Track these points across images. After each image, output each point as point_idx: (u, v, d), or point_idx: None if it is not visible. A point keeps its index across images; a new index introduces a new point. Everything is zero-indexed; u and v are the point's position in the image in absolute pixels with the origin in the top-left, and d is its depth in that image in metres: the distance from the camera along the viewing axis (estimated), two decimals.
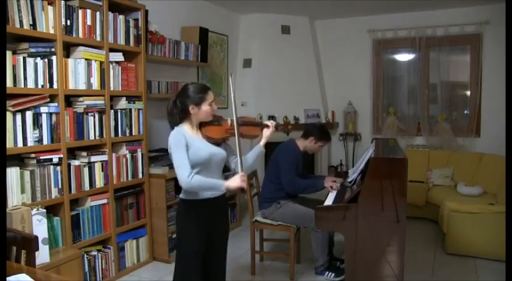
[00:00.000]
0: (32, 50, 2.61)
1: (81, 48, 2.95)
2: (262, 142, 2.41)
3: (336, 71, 6.28)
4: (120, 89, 3.29)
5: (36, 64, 2.62)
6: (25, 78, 2.56)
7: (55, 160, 2.74)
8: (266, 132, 2.40)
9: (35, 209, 2.45)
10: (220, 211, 2.39)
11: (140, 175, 3.49)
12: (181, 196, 2.29)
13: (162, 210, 3.56)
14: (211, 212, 2.27)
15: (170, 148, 2.17)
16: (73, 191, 2.90)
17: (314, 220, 2.63)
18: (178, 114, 2.24)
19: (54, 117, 2.74)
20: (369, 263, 2.48)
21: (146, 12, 3.55)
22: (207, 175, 2.19)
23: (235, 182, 2.14)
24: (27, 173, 2.58)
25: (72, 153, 3.01)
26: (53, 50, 2.73)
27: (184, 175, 2.08)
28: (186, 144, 2.13)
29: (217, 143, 2.28)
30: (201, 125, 2.28)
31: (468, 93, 5.54)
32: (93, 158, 3.06)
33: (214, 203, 2.27)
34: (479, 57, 5.35)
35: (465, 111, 5.61)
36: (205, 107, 2.22)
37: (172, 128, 2.25)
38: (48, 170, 2.72)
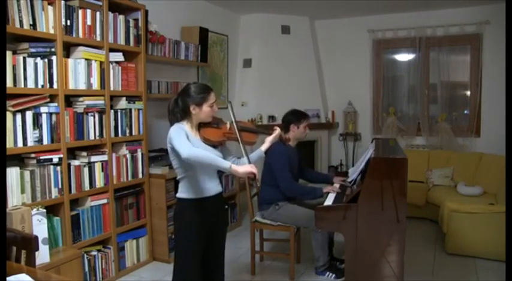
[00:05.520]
0: (32, 50, 2.61)
1: (81, 48, 2.95)
2: (264, 146, 2.41)
3: (336, 71, 6.28)
4: (120, 89, 3.29)
5: (36, 64, 2.62)
6: (25, 78, 2.56)
7: (55, 160, 2.74)
8: (269, 138, 2.40)
9: (35, 209, 2.44)
10: (218, 209, 2.39)
11: (140, 175, 3.49)
12: (178, 195, 2.29)
13: (162, 210, 3.56)
14: (208, 211, 2.28)
15: (171, 138, 2.14)
16: (73, 191, 2.90)
17: (313, 220, 2.63)
18: (179, 113, 2.25)
19: (54, 117, 2.74)
20: (369, 263, 2.48)
21: (146, 12, 3.55)
22: (202, 175, 2.21)
23: (244, 167, 2.06)
24: (27, 173, 2.58)
25: (72, 153, 3.01)
26: (53, 50, 2.73)
27: (188, 145, 2.05)
28: (186, 136, 2.13)
29: (213, 145, 2.28)
30: (200, 126, 2.28)
31: (468, 93, 5.54)
32: (93, 158, 3.06)
33: (212, 202, 2.28)
34: (479, 57, 5.35)
35: (465, 111, 5.61)
36: (206, 107, 2.22)
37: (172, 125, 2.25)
38: (48, 170, 2.72)
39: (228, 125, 2.33)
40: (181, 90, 2.28)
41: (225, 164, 2.05)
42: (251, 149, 2.42)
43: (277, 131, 2.43)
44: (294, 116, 3.37)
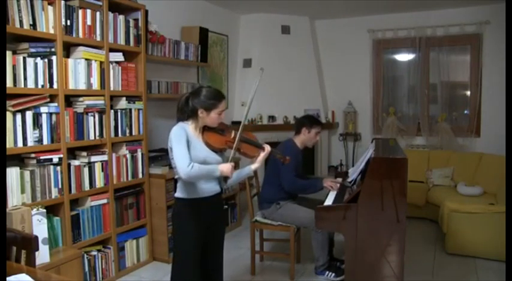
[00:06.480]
0: (32, 50, 2.61)
1: (81, 48, 2.95)
2: (254, 165, 2.35)
3: (336, 71, 6.28)
4: (120, 89, 3.29)
5: (36, 64, 2.62)
6: (25, 78, 2.56)
7: (55, 160, 2.74)
8: (260, 156, 2.33)
9: (35, 209, 2.44)
10: (216, 209, 2.39)
11: (140, 175, 3.49)
12: (176, 195, 2.29)
13: (162, 210, 3.56)
14: (207, 211, 2.28)
15: (171, 140, 2.16)
16: (73, 191, 2.90)
17: (314, 220, 2.63)
18: (187, 112, 2.25)
19: (54, 117, 2.74)
20: (369, 263, 2.48)
21: (146, 12, 3.55)
22: None
23: (227, 167, 2.17)
24: (27, 173, 2.58)
25: (72, 153, 3.00)
26: (53, 50, 2.73)
27: (185, 164, 2.07)
28: (186, 139, 2.15)
29: (214, 151, 2.28)
30: (204, 129, 2.28)
31: (468, 93, 5.55)
32: (93, 158, 3.05)
33: (210, 201, 2.28)
34: (479, 57, 5.35)
35: (465, 111, 5.62)
36: (213, 114, 2.22)
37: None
38: (48, 170, 2.72)
39: (232, 134, 2.31)
40: (194, 91, 2.27)
41: (217, 172, 2.16)
42: (250, 162, 2.39)
43: (267, 149, 2.39)
44: (308, 120, 3.45)
